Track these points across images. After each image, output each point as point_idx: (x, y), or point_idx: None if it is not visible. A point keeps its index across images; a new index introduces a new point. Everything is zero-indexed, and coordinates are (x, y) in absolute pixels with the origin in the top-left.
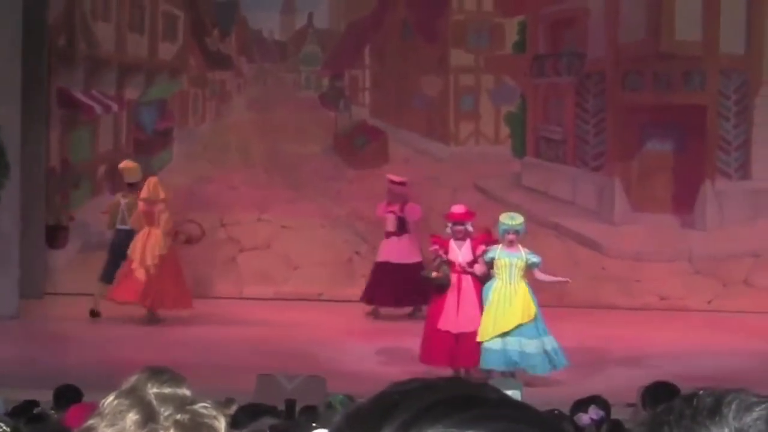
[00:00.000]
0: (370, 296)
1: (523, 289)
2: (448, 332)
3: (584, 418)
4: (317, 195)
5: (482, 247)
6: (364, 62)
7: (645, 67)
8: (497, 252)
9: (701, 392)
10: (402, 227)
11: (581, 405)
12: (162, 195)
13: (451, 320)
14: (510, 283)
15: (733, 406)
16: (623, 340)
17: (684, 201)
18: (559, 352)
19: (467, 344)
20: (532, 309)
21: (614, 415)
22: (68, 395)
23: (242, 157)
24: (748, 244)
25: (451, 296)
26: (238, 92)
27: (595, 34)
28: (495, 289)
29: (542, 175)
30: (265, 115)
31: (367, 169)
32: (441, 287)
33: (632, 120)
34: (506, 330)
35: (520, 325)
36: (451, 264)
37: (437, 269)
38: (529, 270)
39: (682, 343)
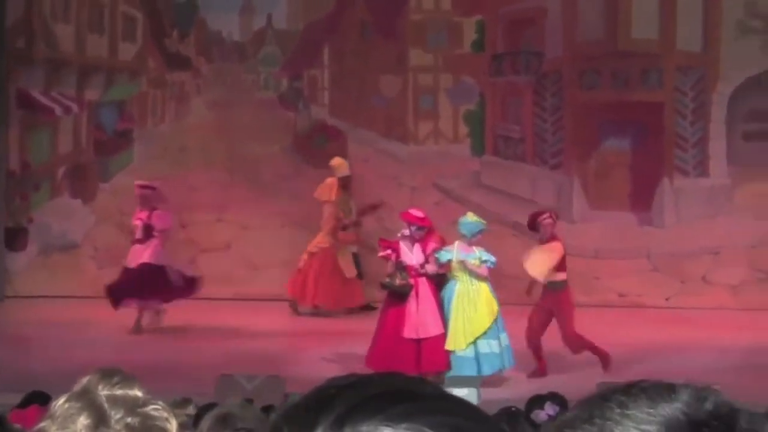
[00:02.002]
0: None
1: (484, 288)
2: (411, 339)
3: (541, 415)
4: (277, 195)
5: (432, 246)
6: (322, 62)
7: (602, 66)
8: (454, 253)
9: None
10: (148, 234)
11: (537, 401)
12: (325, 197)
13: (413, 326)
14: (471, 284)
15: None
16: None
17: (642, 198)
18: (509, 351)
19: (431, 348)
20: (495, 306)
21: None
22: (36, 401)
23: (202, 158)
24: (706, 242)
25: (411, 302)
26: (197, 93)
27: (552, 33)
28: (458, 293)
29: (501, 173)
30: (225, 116)
31: (326, 169)
32: (403, 295)
33: (590, 118)
34: (477, 335)
35: (489, 328)
36: (407, 268)
37: (398, 276)
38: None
39: (641, 340)
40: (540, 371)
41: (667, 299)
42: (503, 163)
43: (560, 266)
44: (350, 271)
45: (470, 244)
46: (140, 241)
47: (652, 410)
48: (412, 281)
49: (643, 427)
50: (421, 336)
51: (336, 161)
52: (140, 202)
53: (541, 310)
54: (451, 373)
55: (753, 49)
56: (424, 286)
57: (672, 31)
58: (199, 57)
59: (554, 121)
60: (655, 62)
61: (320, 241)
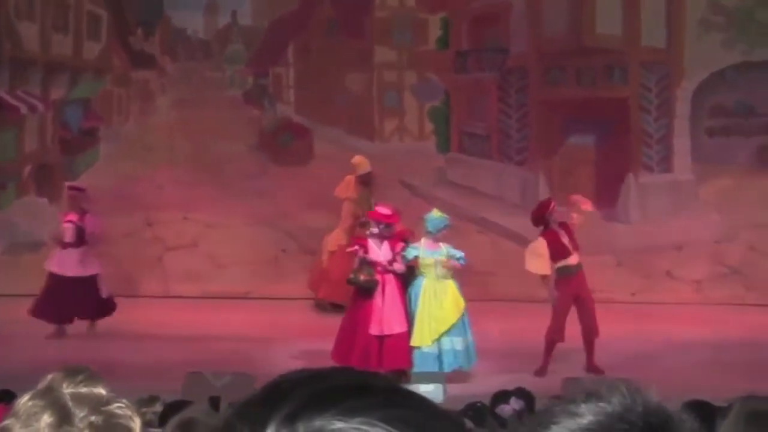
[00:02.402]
0: (41, 309)
1: (451, 285)
2: (375, 335)
3: (506, 409)
4: (243, 193)
5: (401, 245)
6: (288, 60)
7: (567, 62)
8: (420, 250)
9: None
10: (80, 238)
11: (503, 396)
12: (343, 194)
13: (378, 323)
14: (438, 281)
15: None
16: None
17: (607, 194)
18: (473, 348)
19: (394, 345)
20: (462, 303)
21: (539, 407)
22: (4, 399)
23: (167, 157)
24: (670, 237)
25: (377, 298)
26: (162, 91)
27: (517, 30)
28: (424, 288)
29: (467, 170)
30: (190, 114)
31: (292, 167)
32: (369, 290)
33: (555, 114)
34: (442, 331)
35: (453, 325)
36: (374, 264)
37: (363, 272)
38: (450, 263)
39: (606, 335)
40: (542, 370)
41: (632, 294)
42: (468, 160)
43: (562, 253)
44: None
45: (436, 240)
46: (71, 245)
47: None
48: (378, 278)
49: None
50: (386, 333)
51: (357, 159)
52: (69, 204)
53: (566, 299)
54: (415, 369)
55: (716, 46)
56: (390, 284)
57: (636, 28)
58: (164, 55)
59: (519, 118)
60: (619, 58)
61: (338, 238)
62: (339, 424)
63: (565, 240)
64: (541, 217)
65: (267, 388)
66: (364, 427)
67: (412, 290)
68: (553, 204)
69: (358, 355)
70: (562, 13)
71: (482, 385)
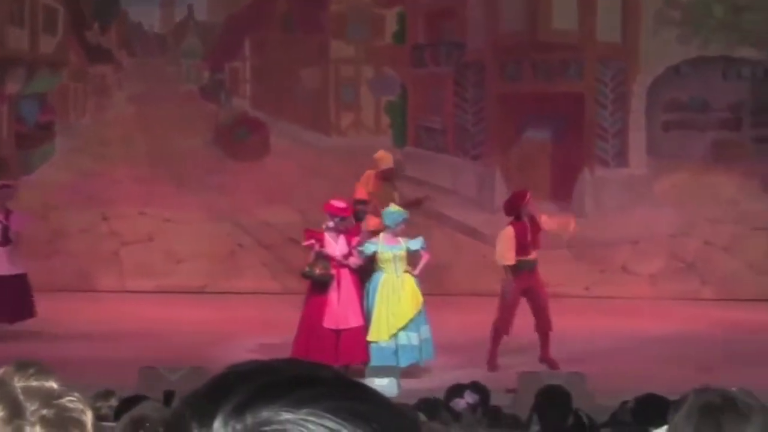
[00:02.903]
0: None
1: (409, 280)
2: (331, 330)
3: (460, 403)
4: (199, 188)
5: (357, 239)
6: (244, 54)
7: (523, 57)
8: (379, 245)
9: None
10: (5, 237)
11: (457, 390)
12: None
13: (334, 317)
14: (397, 276)
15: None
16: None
17: (563, 189)
18: (429, 344)
19: (350, 340)
20: (420, 299)
21: (494, 401)
22: None
23: (124, 151)
24: (625, 231)
25: (332, 292)
26: (119, 86)
27: (474, 25)
28: (383, 283)
29: (423, 164)
30: (147, 109)
31: (249, 162)
32: (324, 284)
33: (511, 109)
34: (400, 327)
35: (411, 320)
36: (329, 258)
37: (318, 266)
38: (412, 258)
39: (561, 329)
40: (492, 362)
41: (587, 288)
42: (425, 154)
43: (525, 247)
44: None
45: (395, 234)
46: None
47: None
48: (333, 272)
49: None
50: (341, 327)
51: (379, 153)
52: None
53: (516, 293)
54: (371, 363)
55: (671, 40)
56: (346, 278)
57: (592, 23)
58: (120, 49)
59: (475, 112)
60: (575, 53)
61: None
62: (286, 415)
63: (530, 235)
64: (514, 208)
65: (215, 380)
66: (311, 418)
67: (370, 285)
68: (528, 196)
69: (315, 349)
70: (519, 8)
71: (437, 380)
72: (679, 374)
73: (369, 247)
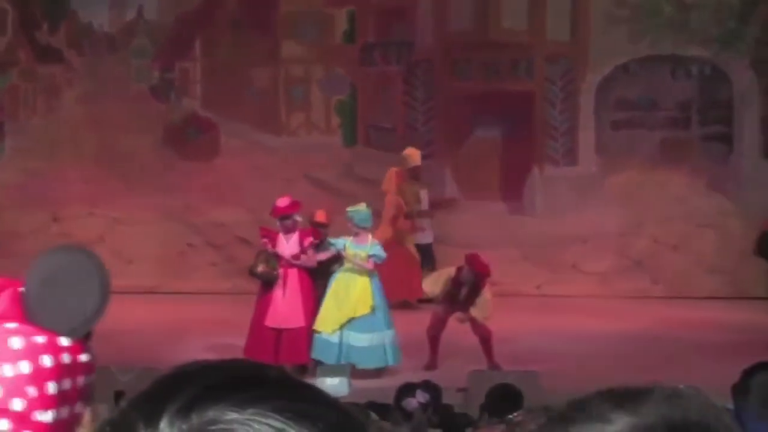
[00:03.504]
0: None
1: (363, 281)
2: (273, 328)
3: (412, 402)
4: (150, 188)
5: (310, 240)
6: (194, 54)
7: (473, 55)
8: (348, 242)
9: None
10: None
11: (408, 389)
12: (385, 187)
13: (276, 316)
14: (352, 273)
15: None
16: (454, 326)
17: (513, 187)
18: (391, 348)
19: (291, 340)
20: (368, 303)
21: (446, 400)
22: None
23: (74, 151)
24: (575, 230)
25: (277, 291)
26: (68, 86)
27: (423, 24)
28: (337, 278)
29: (373, 163)
30: (97, 109)
31: (199, 162)
32: (268, 282)
33: (461, 108)
34: (342, 322)
35: (352, 319)
36: (278, 257)
37: (261, 263)
38: (369, 260)
39: (512, 328)
40: (432, 364)
41: (537, 287)
42: (375, 154)
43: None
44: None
45: (365, 234)
46: None
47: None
48: (279, 271)
49: None
50: (282, 326)
51: (408, 151)
52: None
53: (446, 315)
54: (314, 356)
55: (621, 39)
56: (293, 278)
57: (541, 21)
58: (70, 49)
59: (425, 111)
60: (524, 52)
61: (383, 233)
62: (232, 415)
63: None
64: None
65: (161, 380)
66: (257, 418)
67: (331, 280)
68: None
69: (259, 348)
70: (468, 7)
71: (389, 379)
72: (628, 372)
73: (339, 242)
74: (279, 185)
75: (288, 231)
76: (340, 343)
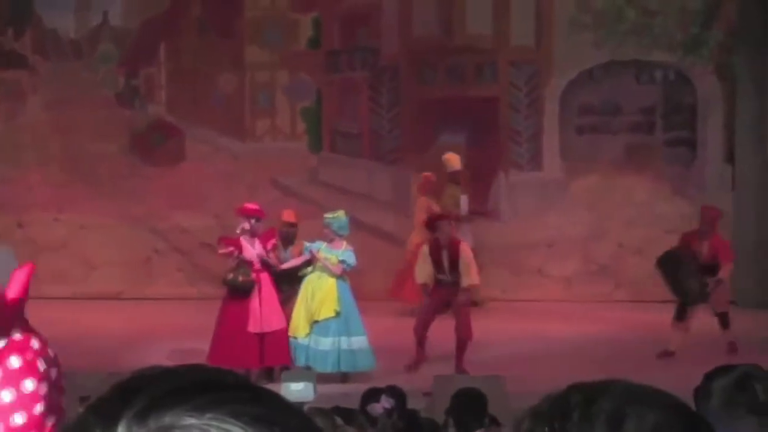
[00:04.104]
0: None
1: (329, 285)
2: (255, 334)
3: (377, 408)
4: (115, 194)
5: (273, 242)
6: (160, 60)
7: (438, 61)
8: (322, 246)
9: (601, 400)
10: None
11: (373, 394)
12: (415, 191)
13: (258, 321)
14: (320, 278)
15: (636, 424)
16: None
17: (478, 192)
18: (360, 353)
19: (274, 342)
20: (332, 307)
21: (411, 405)
22: None
23: (39, 157)
24: (540, 235)
25: (254, 297)
26: (33, 91)
27: (388, 29)
28: (306, 282)
29: (339, 169)
30: (62, 115)
31: (164, 167)
32: (247, 291)
33: (426, 113)
34: (311, 323)
35: (316, 322)
36: (249, 263)
37: (241, 273)
38: (339, 265)
39: (477, 332)
40: (417, 362)
41: (503, 291)
42: (341, 160)
43: (439, 265)
44: None
45: (340, 239)
46: None
47: None
48: (254, 277)
49: None
50: (266, 330)
51: (447, 155)
52: None
53: (433, 303)
54: (296, 362)
55: (585, 44)
56: (266, 281)
57: (506, 27)
58: (34, 55)
59: (391, 117)
60: (489, 57)
61: (415, 238)
62: (190, 420)
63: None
64: (433, 225)
65: (120, 384)
66: (214, 423)
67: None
68: (451, 217)
69: (238, 355)
70: (433, 13)
71: (355, 384)
72: (593, 376)
73: (315, 245)
74: (244, 191)
75: (254, 235)
76: (308, 347)
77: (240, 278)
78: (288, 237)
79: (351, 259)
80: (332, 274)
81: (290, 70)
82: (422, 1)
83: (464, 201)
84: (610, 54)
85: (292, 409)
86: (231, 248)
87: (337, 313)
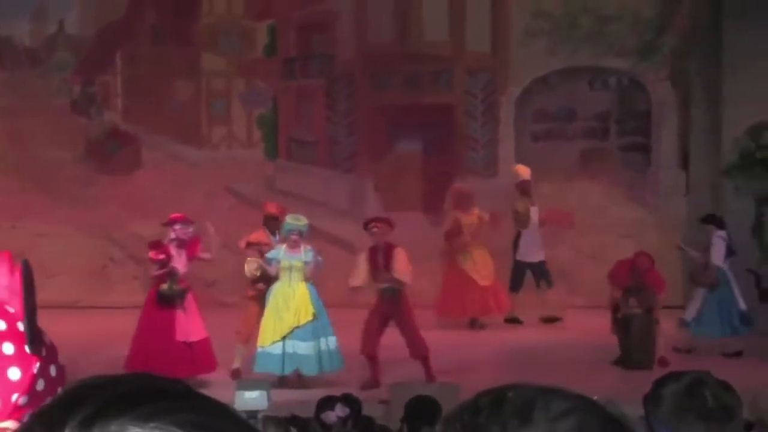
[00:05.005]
0: None
1: (301, 290)
2: (183, 342)
3: (331, 416)
4: (71, 202)
5: (200, 247)
6: (115, 68)
7: (394, 68)
8: (281, 253)
9: (509, 394)
10: None
11: (328, 402)
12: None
13: (184, 330)
14: (290, 285)
15: (544, 412)
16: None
17: (435, 199)
18: (335, 354)
19: (200, 351)
20: (309, 311)
21: (368, 412)
22: None
23: None
24: (496, 242)
25: (179, 305)
26: None
27: (344, 37)
28: (276, 292)
29: (295, 177)
30: (18, 123)
31: (120, 175)
32: (181, 299)
33: (383, 121)
34: (284, 333)
35: (296, 328)
36: (176, 272)
37: (176, 281)
38: (308, 268)
39: (436, 340)
40: (374, 381)
41: None
42: (297, 167)
43: (379, 271)
44: (483, 278)
45: (294, 244)
46: None
47: None
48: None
49: None
50: (191, 339)
51: (517, 166)
52: None
53: (373, 317)
54: (258, 369)
55: (540, 51)
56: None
57: (461, 34)
58: None
59: (347, 124)
60: (445, 65)
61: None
62: (134, 429)
63: (381, 260)
64: (365, 228)
65: (66, 392)
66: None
67: (268, 294)
68: (380, 222)
69: (163, 363)
70: (389, 20)
71: (311, 392)
72: (551, 381)
73: (274, 254)
74: (201, 198)
75: (181, 242)
76: (283, 354)
77: (174, 287)
78: (272, 230)
79: (314, 257)
80: (299, 279)
81: (246, 78)
82: (378, 8)
83: (534, 212)
84: (565, 61)
85: (237, 418)
86: (162, 256)
87: (315, 316)
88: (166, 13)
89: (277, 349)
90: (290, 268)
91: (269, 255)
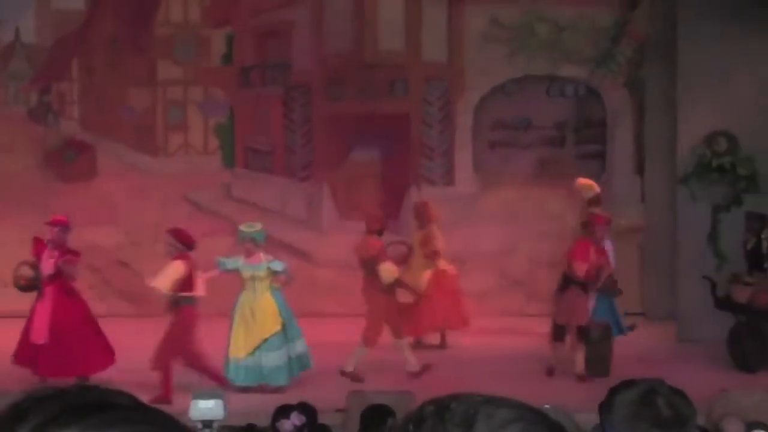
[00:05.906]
0: None
1: (266, 300)
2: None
3: (286, 425)
4: (28, 210)
5: (69, 256)
6: (72, 76)
7: (350, 77)
8: (240, 263)
9: (452, 404)
10: None
11: (284, 411)
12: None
13: (39, 330)
14: (254, 296)
15: (487, 422)
16: (334, 347)
17: (391, 208)
18: (304, 357)
19: (49, 354)
20: (278, 320)
21: (323, 420)
22: None
23: None
24: (454, 249)
25: (38, 305)
26: None
27: (300, 46)
28: (241, 303)
29: (251, 186)
30: None
31: (76, 183)
32: (26, 290)
33: (339, 129)
34: (257, 344)
35: (265, 340)
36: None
37: (30, 275)
38: (275, 277)
39: (389, 348)
40: (165, 396)
41: None
42: (253, 176)
43: (187, 283)
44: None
45: (254, 253)
46: None
47: None
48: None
49: None
50: (36, 342)
51: (582, 181)
52: None
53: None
54: (234, 382)
55: (497, 59)
56: (50, 294)
57: (417, 43)
58: None
59: (303, 133)
60: (402, 73)
61: (425, 274)
62: None
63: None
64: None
65: (12, 405)
66: None
67: (236, 304)
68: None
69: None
70: (345, 29)
71: (267, 400)
72: (505, 389)
73: (229, 263)
74: (157, 207)
75: (56, 246)
76: (255, 365)
77: (21, 282)
78: None
79: (280, 265)
80: (265, 289)
81: (203, 86)
82: (335, 17)
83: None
84: (522, 69)
85: (183, 429)
86: (35, 250)
87: (283, 326)
88: (123, 21)
89: (251, 361)
90: (253, 279)
91: (221, 259)
